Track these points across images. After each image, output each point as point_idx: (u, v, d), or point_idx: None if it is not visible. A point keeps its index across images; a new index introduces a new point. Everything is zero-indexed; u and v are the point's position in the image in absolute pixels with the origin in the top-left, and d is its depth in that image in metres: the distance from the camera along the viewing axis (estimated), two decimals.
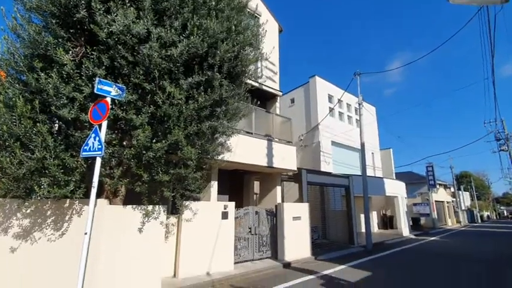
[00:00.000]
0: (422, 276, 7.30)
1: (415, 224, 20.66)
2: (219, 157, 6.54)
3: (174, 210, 6.65)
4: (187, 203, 6.33)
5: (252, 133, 9.05)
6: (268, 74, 11.17)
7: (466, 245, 14.12)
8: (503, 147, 35.84)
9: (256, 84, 10.29)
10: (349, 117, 19.40)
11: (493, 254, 10.99)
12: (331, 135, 16.64)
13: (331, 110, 17.23)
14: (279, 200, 10.03)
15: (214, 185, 8.21)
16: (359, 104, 13.71)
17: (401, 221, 17.32)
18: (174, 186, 5.65)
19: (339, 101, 17.79)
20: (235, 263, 7.45)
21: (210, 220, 7.09)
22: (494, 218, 65.71)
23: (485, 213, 57.63)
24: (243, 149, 8.24)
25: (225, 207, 7.49)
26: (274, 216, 9.17)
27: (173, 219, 6.66)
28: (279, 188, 10.34)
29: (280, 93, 11.86)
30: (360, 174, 17.32)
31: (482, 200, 64.43)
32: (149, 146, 4.74)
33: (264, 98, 11.11)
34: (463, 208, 37.61)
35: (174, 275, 6.46)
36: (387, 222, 19.22)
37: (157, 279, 5.49)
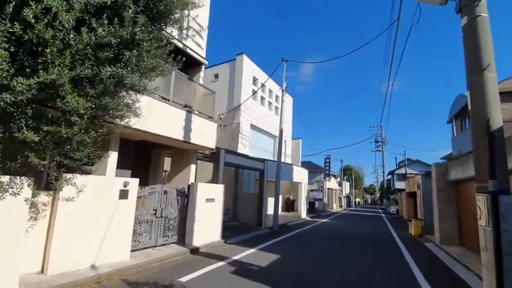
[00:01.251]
0: (325, 254, 7.84)
1: (311, 208, 23.27)
2: (123, 121, 5.07)
3: (49, 185, 4.83)
4: (69, 176, 4.65)
5: (169, 100, 7.64)
6: (194, 41, 9.73)
7: (349, 225, 16.65)
8: (379, 148, 44.47)
9: (181, 45, 8.81)
10: (270, 103, 19.70)
11: (365, 233, 13.21)
12: (251, 118, 16.45)
13: (254, 92, 16.97)
14: (192, 180, 9.03)
15: (113, 156, 6.54)
16: (282, 90, 13.84)
17: (302, 205, 19.02)
18: (48, 151, 3.94)
19: (263, 85, 17.72)
20: (132, 250, 6.17)
21: (102, 199, 5.55)
22: (363, 203, 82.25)
23: (357, 199, 71.33)
24: (155, 116, 6.83)
25: (125, 184, 6.03)
26: (186, 197, 8.16)
27: (45, 197, 4.85)
28: (193, 167, 9.31)
29: (206, 62, 10.62)
30: (273, 159, 17.88)
31: (357, 189, 79.67)
32: (5, 83, 3.03)
33: (187, 65, 9.66)
34: (344, 195, 45.23)
35: (42, 271, 4.78)
36: (290, 205, 20.84)
37: (14, 277, 3.85)
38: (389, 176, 52.61)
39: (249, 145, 16.18)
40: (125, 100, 4.91)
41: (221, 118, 15.64)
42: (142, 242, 6.75)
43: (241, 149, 14.82)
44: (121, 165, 7.34)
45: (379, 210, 40.55)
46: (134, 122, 5.47)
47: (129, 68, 4.18)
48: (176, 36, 8.34)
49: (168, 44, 5.16)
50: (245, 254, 7.42)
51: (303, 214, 18.96)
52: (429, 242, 11.12)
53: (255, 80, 17.54)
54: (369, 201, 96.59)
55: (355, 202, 58.29)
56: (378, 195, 76.36)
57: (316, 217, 20.90)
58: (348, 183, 57.67)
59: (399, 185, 45.93)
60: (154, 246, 7.02)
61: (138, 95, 5.17)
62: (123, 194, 5.94)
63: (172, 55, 5.40)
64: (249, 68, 16.82)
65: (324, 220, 18.77)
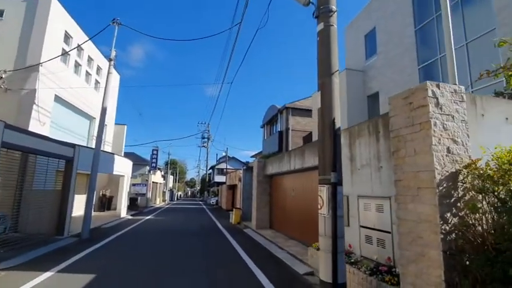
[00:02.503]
0: (155, 261, 6.52)
1: (132, 204, 20.59)
2: None
3: None
4: None
5: None
6: None
7: (176, 220, 16.03)
8: (204, 144, 47.31)
9: None
10: (88, 74, 15.44)
11: (193, 225, 13.17)
12: (56, 88, 12.01)
13: (66, 53, 12.56)
14: None
15: None
16: (110, 59, 10.99)
17: (122, 202, 16.28)
18: None
19: (80, 46, 13.51)
20: None
21: None
22: (184, 196, 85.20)
23: (179, 193, 72.92)
24: None
25: None
26: None
27: None
28: None
29: None
30: (87, 146, 14.14)
31: (180, 182, 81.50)
32: None
33: None
34: (168, 189, 44.55)
35: None
36: (106, 203, 17.31)
37: None
38: (210, 171, 57.64)
39: (51, 124, 11.77)
40: None
41: (2, 76, 10.36)
42: None
43: (36, 127, 10.42)
44: None
45: (200, 202, 43.15)
46: None
47: None
48: None
49: None
50: (34, 283, 4.82)
51: (123, 212, 16.29)
52: (247, 228, 12.52)
53: (67, 37, 13.05)
54: (189, 194, 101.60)
55: (177, 195, 59.02)
56: (198, 188, 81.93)
57: (139, 214, 18.71)
58: (172, 176, 57.57)
59: (219, 178, 51.19)
60: None
61: None
62: None
63: None
64: (59, 16, 12.24)
65: (149, 217, 17.06)
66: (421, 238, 3.39)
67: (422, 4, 10.11)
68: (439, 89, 3.53)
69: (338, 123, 3.97)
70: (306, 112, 18.73)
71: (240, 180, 17.49)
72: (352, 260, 4.91)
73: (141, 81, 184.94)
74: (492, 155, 3.19)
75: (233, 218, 14.79)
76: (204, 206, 31.46)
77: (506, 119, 3.90)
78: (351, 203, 5.50)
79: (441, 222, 3.14)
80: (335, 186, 3.64)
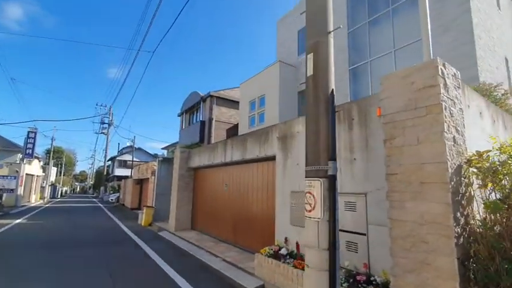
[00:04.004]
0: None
1: None
2: None
3: None
4: None
5: None
6: None
7: (62, 225, 12.31)
8: (104, 131, 40.36)
9: None
10: None
11: (89, 233, 10.31)
12: None
13: None
14: None
15: None
16: None
17: None
18: None
19: None
20: None
21: None
22: (71, 192, 71.24)
23: (65, 188, 60.35)
24: None
25: None
26: None
27: None
28: None
29: None
30: None
31: (66, 175, 67.76)
32: None
33: None
34: (50, 183, 35.80)
35: None
36: None
37: None
38: (110, 162, 49.79)
39: None
40: None
41: None
42: None
43: None
44: None
45: (94, 200, 36.47)
46: None
47: None
48: None
49: None
50: None
51: None
52: (163, 230, 10.58)
53: None
54: (78, 189, 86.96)
55: (62, 191, 48.41)
56: (92, 182, 69.95)
57: (3, 217, 13.67)
58: (56, 168, 46.91)
59: (120, 171, 44.69)
60: None
61: None
62: None
63: None
64: None
65: (18, 221, 12.58)
66: (425, 243, 2.83)
67: (356, 8, 10.58)
68: (445, 68, 3.07)
69: (334, 97, 3.08)
70: (232, 103, 17.76)
71: (153, 173, 15.03)
72: None
73: (19, 47, 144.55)
74: (499, 147, 2.89)
75: (143, 218, 12.43)
76: (101, 204, 26.42)
77: (480, 113, 3.84)
78: None
79: (454, 224, 2.64)
80: (333, 180, 2.73)
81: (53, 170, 42.89)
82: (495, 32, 8.59)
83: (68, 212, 18.59)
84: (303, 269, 4.25)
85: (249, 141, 6.88)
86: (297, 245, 4.80)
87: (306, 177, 2.95)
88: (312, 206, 2.74)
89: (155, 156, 45.82)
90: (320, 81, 2.98)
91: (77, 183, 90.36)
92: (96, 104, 43.16)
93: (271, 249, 5.05)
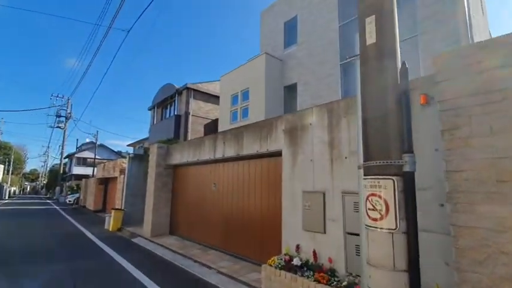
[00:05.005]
0: None
1: None
2: None
3: None
4: None
5: None
6: None
7: (10, 233, 10.42)
8: (60, 125, 36.50)
9: None
10: None
11: (46, 242, 8.76)
12: None
13: None
14: None
15: None
16: None
17: None
18: None
19: None
20: None
21: None
22: (19, 193, 64.25)
23: (14, 188, 54.07)
24: None
25: None
26: None
27: None
28: None
29: None
30: None
31: (15, 174, 60.87)
32: None
33: None
34: None
35: None
36: None
37: None
38: (67, 160, 45.43)
39: None
40: None
41: None
42: None
43: None
44: None
45: (49, 201, 32.81)
46: None
47: None
48: None
49: None
50: None
51: None
52: (136, 236, 9.35)
53: None
54: (29, 189, 79.12)
55: (10, 192, 43.08)
56: (45, 182, 63.59)
57: None
58: (3, 166, 41.61)
59: (79, 170, 40.94)
60: None
61: None
62: None
63: None
64: None
65: None
66: (505, 254, 2.34)
67: (347, 1, 10.24)
68: None
69: (407, 70, 2.41)
70: (210, 97, 16.72)
71: (122, 172, 13.50)
72: (345, 283, 3.53)
73: None
74: None
75: (111, 223, 10.99)
76: (57, 207, 23.62)
77: None
78: (329, 202, 4.17)
79: None
80: (411, 179, 2.10)
81: (0, 168, 38.00)
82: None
83: (18, 216, 16.12)
84: (327, 283, 3.62)
85: (246, 135, 6.09)
86: (314, 253, 4.16)
87: (365, 175, 2.30)
88: (382, 213, 2.09)
89: (119, 153, 42.59)
90: (386, 50, 2.34)
91: (27, 183, 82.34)
92: (52, 95, 38.94)
93: (281, 259, 4.35)
